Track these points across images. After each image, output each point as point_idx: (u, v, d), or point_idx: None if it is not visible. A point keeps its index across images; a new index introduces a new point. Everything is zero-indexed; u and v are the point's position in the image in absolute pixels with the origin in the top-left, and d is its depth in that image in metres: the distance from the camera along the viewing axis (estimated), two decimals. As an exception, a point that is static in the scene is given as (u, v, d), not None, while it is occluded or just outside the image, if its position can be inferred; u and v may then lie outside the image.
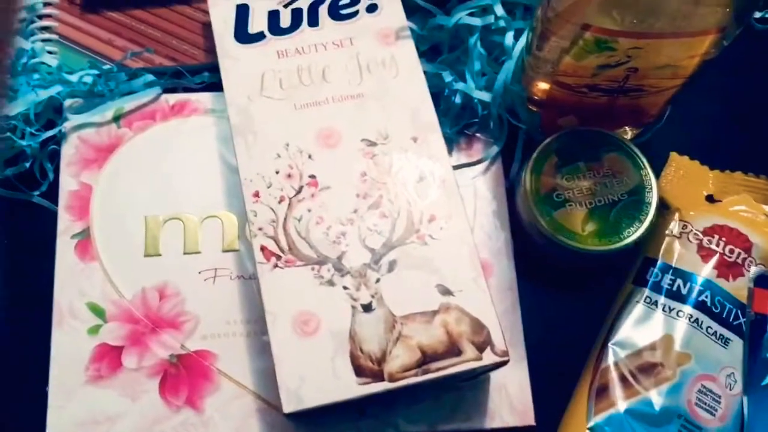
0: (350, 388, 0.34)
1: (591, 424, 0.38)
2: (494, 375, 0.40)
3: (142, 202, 0.42)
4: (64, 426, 0.38)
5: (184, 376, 0.39)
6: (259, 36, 0.41)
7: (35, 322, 0.40)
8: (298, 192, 0.37)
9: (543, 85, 0.40)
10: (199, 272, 0.41)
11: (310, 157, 0.38)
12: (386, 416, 0.39)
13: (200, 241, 0.42)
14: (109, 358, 0.39)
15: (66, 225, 0.42)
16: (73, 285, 0.40)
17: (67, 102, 0.44)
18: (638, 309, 0.41)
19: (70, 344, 0.39)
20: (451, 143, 0.44)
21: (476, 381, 0.39)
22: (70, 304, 0.40)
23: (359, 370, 0.34)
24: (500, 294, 0.42)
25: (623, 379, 0.39)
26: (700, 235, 0.42)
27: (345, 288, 0.35)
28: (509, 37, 0.42)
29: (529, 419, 0.39)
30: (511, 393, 0.40)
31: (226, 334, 0.40)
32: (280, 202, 0.37)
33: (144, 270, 0.41)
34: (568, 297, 0.43)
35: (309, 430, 0.39)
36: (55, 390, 0.38)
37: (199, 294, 0.41)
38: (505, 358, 0.34)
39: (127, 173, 0.43)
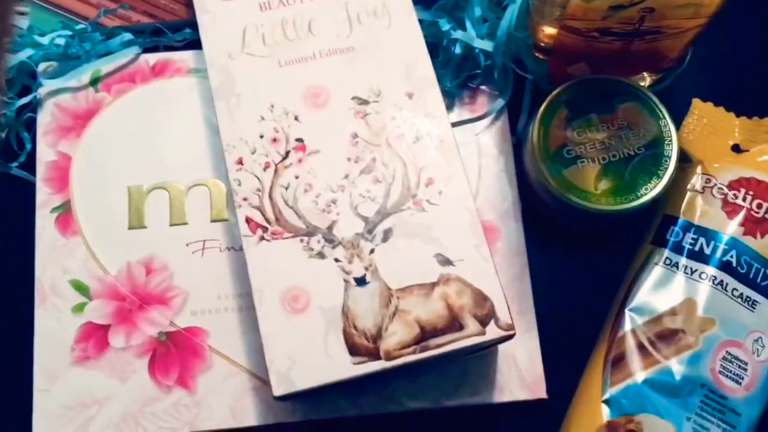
0: (344, 368, 0.31)
1: (606, 396, 0.36)
2: (502, 346, 0.37)
3: (125, 172, 0.40)
4: (51, 410, 0.36)
5: (175, 355, 0.37)
6: (240, -13, 0.38)
7: (17, 302, 0.38)
8: (285, 157, 0.34)
9: (550, 31, 0.36)
10: (187, 244, 0.39)
11: (296, 118, 0.35)
12: (387, 392, 0.37)
13: (187, 211, 0.39)
14: (95, 337, 0.37)
15: (45, 198, 0.39)
16: (55, 261, 0.38)
17: (41, 66, 0.41)
18: (657, 271, 0.38)
19: (54, 324, 0.37)
20: (452, 97, 0.41)
21: (482, 353, 0.37)
22: (53, 282, 0.38)
23: (353, 349, 0.31)
24: (508, 259, 0.39)
25: (641, 347, 0.36)
26: (725, 189, 0.38)
27: (336, 260, 0.33)
28: (512, -21, 0.38)
29: (541, 392, 0.37)
30: (520, 365, 0.37)
31: (218, 310, 0.38)
32: (265, 168, 0.34)
33: (129, 243, 0.39)
34: (581, 261, 0.40)
35: (306, 407, 0.37)
36: (40, 373, 0.37)
37: (187, 267, 0.38)
38: (511, 332, 0.32)
39: (108, 141, 0.40)
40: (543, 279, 0.39)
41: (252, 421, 0.36)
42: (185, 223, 0.39)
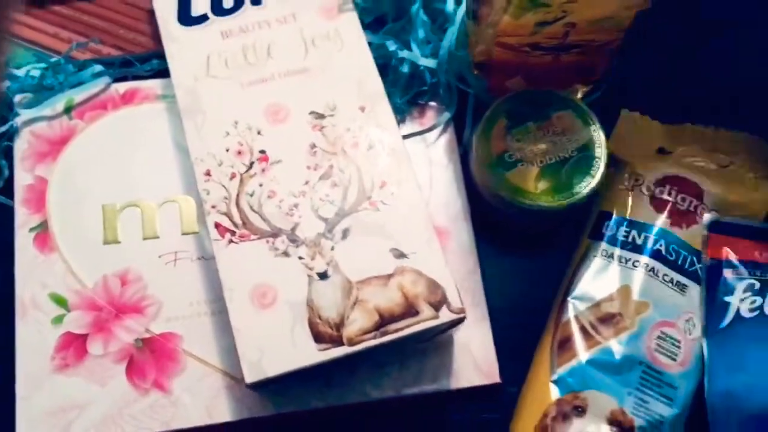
0: (310, 354, 0.34)
1: (554, 377, 0.39)
2: (457, 336, 0.40)
3: (99, 192, 0.42)
4: (34, 416, 0.38)
5: (150, 359, 0.39)
6: (203, 18, 0.41)
7: (-2, 317, 0.40)
8: (249, 168, 0.37)
9: (486, 48, 0.40)
10: (160, 256, 0.41)
11: (259, 133, 0.38)
12: (353, 384, 0.39)
13: (159, 226, 0.42)
14: (74, 346, 0.39)
15: (23, 219, 0.42)
16: (34, 277, 0.41)
17: (17, 97, 0.44)
18: (595, 262, 0.41)
19: (34, 335, 0.39)
20: (403, 113, 0.44)
21: (440, 344, 0.40)
22: (33, 296, 0.40)
23: (318, 337, 0.34)
24: (460, 258, 0.42)
25: (584, 331, 0.40)
26: (652, 187, 0.42)
27: (300, 258, 0.36)
28: (450, 4, 0.42)
29: (495, 377, 0.40)
30: (475, 353, 0.40)
31: (191, 315, 0.40)
32: (231, 178, 0.37)
33: (104, 258, 0.41)
34: (528, 256, 0.44)
35: (277, 402, 0.39)
36: (22, 381, 0.39)
37: (160, 278, 0.41)
38: (461, 315, 0.35)
39: (82, 164, 0.43)
40: (494, 274, 0.43)
41: (226, 417, 0.39)
42: (157, 237, 0.42)
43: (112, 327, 0.40)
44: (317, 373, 0.39)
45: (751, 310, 0.40)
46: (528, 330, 0.41)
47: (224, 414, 0.39)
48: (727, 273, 0.41)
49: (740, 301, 0.40)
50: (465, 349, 0.40)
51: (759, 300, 0.40)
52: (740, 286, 0.40)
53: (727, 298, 0.40)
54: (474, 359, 0.40)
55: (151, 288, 0.41)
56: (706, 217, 0.42)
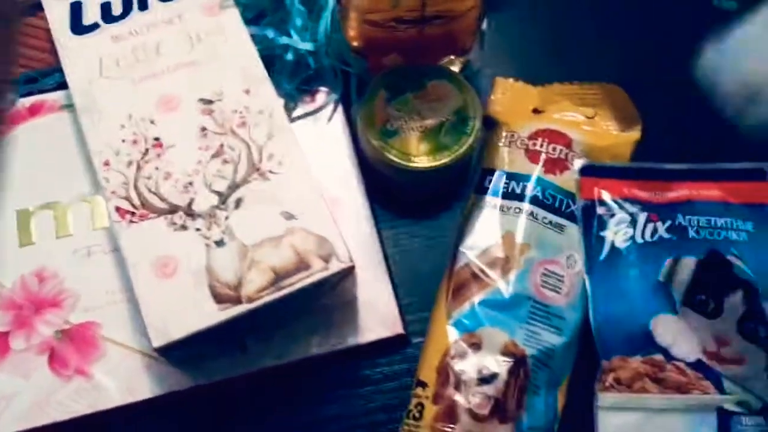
0: (212, 315, 0.37)
1: (452, 321, 0.42)
2: (361, 295, 0.43)
3: (12, 198, 0.45)
4: (-40, 412, 0.40)
5: (71, 349, 0.42)
6: (94, 26, 0.44)
7: None
8: (145, 154, 0.40)
9: (357, 29, 0.44)
10: (74, 252, 0.44)
11: (152, 122, 0.41)
12: (265, 349, 0.42)
13: (71, 225, 0.44)
14: (-4, 343, 0.41)
15: (-61, 231, 0.44)
16: (-46, 283, 0.43)
17: (-74, 119, 0.46)
18: (482, 214, 0.44)
19: (-43, 337, 0.41)
20: (294, 99, 0.48)
21: (344, 303, 0.43)
22: (-47, 301, 0.42)
23: (219, 298, 0.37)
24: (356, 223, 0.45)
25: (475, 276, 0.43)
26: (526, 141, 0.46)
27: (197, 230, 0.38)
28: (322, -8, 0.46)
29: (398, 328, 0.43)
30: (379, 308, 0.43)
31: (107, 304, 0.43)
32: (128, 165, 0.40)
33: (20, 259, 0.43)
34: (423, 217, 0.47)
35: (195, 373, 0.41)
36: (-53, 381, 0.40)
37: (76, 272, 0.43)
38: (350, 264, 0.38)
39: (-6, 174, 0.45)
40: (393, 237, 0.46)
41: (147, 393, 0.41)
42: (70, 235, 0.44)
43: (32, 322, 0.42)
44: (230, 341, 0.41)
45: (625, 241, 0.44)
46: (429, 285, 0.44)
47: (145, 391, 0.41)
48: (600, 210, 0.44)
49: (614, 234, 0.44)
50: (369, 306, 0.43)
51: (630, 231, 0.44)
52: (613, 221, 0.44)
53: (602, 233, 0.44)
54: (378, 314, 0.43)
55: (67, 282, 0.43)
56: (577, 162, 0.45)
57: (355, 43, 0.45)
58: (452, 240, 0.45)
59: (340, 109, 0.48)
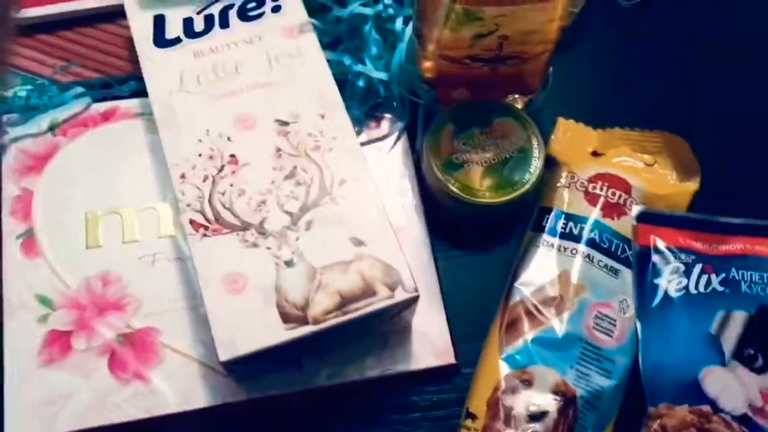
0: (279, 333, 0.37)
1: (504, 355, 0.43)
2: (415, 324, 0.44)
3: (81, 201, 0.46)
4: (22, 407, 0.41)
5: (131, 353, 0.43)
6: (176, 40, 0.46)
7: (-13, 318, 0.43)
8: (221, 170, 0.41)
9: (432, 62, 0.45)
10: (139, 258, 0.45)
11: (229, 139, 0.42)
12: (320, 368, 0.43)
13: (137, 231, 0.45)
14: (59, 342, 0.42)
15: (10, 228, 0.45)
16: (21, 280, 0.44)
17: (5, 117, 0.48)
18: (538, 252, 0.45)
19: (21, 333, 0.42)
20: (361, 124, 0.49)
21: (399, 330, 0.43)
22: (20, 297, 0.43)
23: (286, 317, 0.38)
24: (416, 251, 0.46)
25: (529, 313, 0.43)
26: (586, 183, 0.47)
27: (268, 248, 0.39)
28: (399, 23, 0.47)
29: (450, 358, 0.44)
30: (432, 337, 0.44)
31: (168, 311, 0.44)
32: (204, 180, 0.41)
33: (86, 261, 0.44)
34: (479, 251, 0.48)
35: (251, 385, 0.42)
36: (10, 375, 0.41)
37: (140, 277, 0.44)
38: (415, 294, 0.39)
39: (65, 176, 0.47)
40: (449, 267, 0.47)
41: (202, 402, 0.42)
42: (136, 241, 0.45)
43: (94, 324, 0.43)
44: (288, 359, 0.42)
45: (678, 290, 0.44)
46: (482, 316, 0.45)
47: (200, 400, 0.42)
48: (655, 258, 0.45)
49: (668, 282, 0.45)
50: (422, 334, 0.44)
51: (684, 281, 0.44)
52: (667, 269, 0.45)
53: (656, 281, 0.45)
54: (431, 343, 0.44)
55: (131, 287, 0.44)
56: (635, 209, 0.46)
57: (427, 75, 0.47)
58: (507, 275, 0.46)
59: (403, 138, 0.49)
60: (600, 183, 0.47)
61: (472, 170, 0.45)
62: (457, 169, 0.45)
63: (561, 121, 0.51)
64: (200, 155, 0.42)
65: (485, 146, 0.46)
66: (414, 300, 0.39)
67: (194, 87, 0.44)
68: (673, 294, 0.44)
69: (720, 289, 0.44)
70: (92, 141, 0.48)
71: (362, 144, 0.48)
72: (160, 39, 0.46)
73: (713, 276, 0.44)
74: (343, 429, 0.43)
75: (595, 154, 0.49)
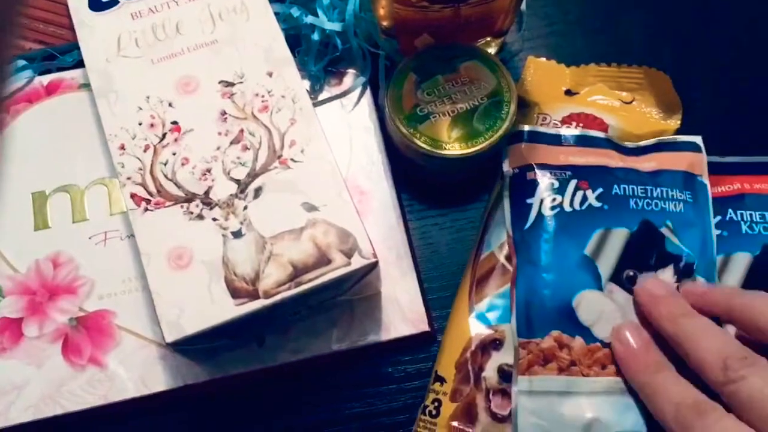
0: (228, 310, 0.35)
1: (474, 313, 0.39)
2: (385, 290, 0.41)
3: (27, 180, 0.43)
4: (-27, 400, 0.39)
5: (85, 337, 0.40)
6: (113, 2, 0.42)
7: (-66, 308, 0.41)
8: (162, 138, 0.38)
9: (388, 7, 0.41)
10: (90, 237, 0.42)
11: (170, 105, 0.39)
12: (283, 343, 0.40)
13: (87, 209, 0.43)
14: (9, 330, 0.40)
15: (-46, 213, 0.43)
16: (-33, 267, 0.41)
17: (-58, 97, 0.45)
18: (508, 201, 0.42)
19: (-30, 323, 0.40)
20: (320, 81, 0.45)
21: (367, 299, 0.41)
22: (-34, 286, 0.41)
23: (235, 293, 0.35)
24: (383, 214, 0.43)
25: (500, 267, 0.40)
26: (559, 124, 0.43)
27: (214, 219, 0.36)
28: (351, -32, 0.43)
29: (423, 326, 0.41)
30: (403, 304, 0.41)
31: (123, 292, 0.41)
32: (145, 150, 0.38)
33: (35, 243, 0.42)
34: (453, 207, 0.45)
35: (211, 366, 0.40)
36: (-41, 368, 0.39)
37: (92, 258, 0.42)
38: (374, 260, 0.36)
39: (9, 155, 0.44)
40: (421, 229, 0.44)
41: (161, 386, 0.39)
42: (87, 220, 0.43)
43: (46, 309, 0.41)
44: (247, 335, 0.40)
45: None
46: (458, 279, 0.42)
47: (159, 383, 0.40)
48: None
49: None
50: (393, 302, 0.41)
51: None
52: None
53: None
54: (402, 311, 0.41)
55: (83, 269, 0.42)
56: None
57: (384, 23, 0.43)
58: (478, 229, 0.43)
59: (367, 93, 0.46)
60: (574, 123, 0.43)
61: (438, 121, 0.42)
62: (422, 122, 0.42)
63: (531, 59, 0.47)
64: (140, 124, 0.39)
65: (452, 94, 0.42)
66: (373, 266, 0.36)
67: (133, 51, 0.41)
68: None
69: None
70: (37, 117, 0.45)
71: (322, 101, 0.45)
72: (96, 1, 0.43)
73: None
74: (313, 406, 0.41)
75: (568, 92, 0.46)
